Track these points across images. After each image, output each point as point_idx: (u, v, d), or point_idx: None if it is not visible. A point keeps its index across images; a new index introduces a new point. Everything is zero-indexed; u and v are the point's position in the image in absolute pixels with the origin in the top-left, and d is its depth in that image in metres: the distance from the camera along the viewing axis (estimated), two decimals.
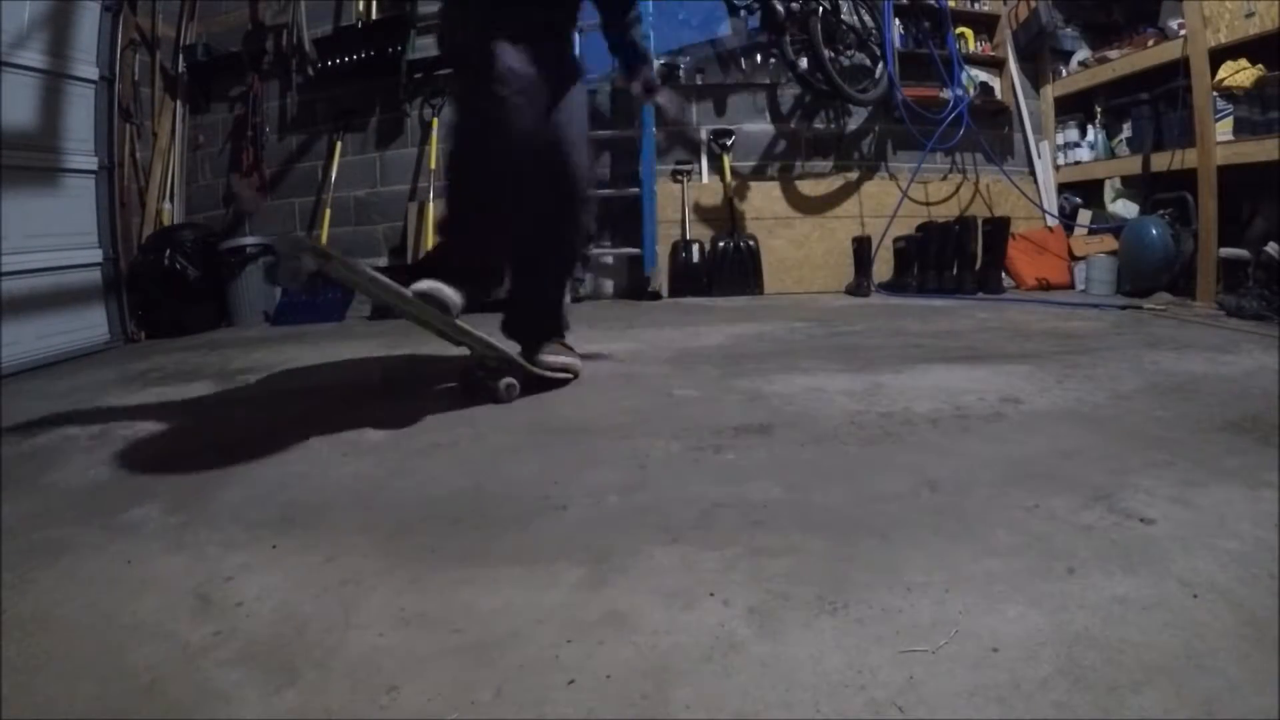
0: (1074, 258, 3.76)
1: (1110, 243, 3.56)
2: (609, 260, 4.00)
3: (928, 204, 4.03)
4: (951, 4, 4.13)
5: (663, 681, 0.68)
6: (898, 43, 4.05)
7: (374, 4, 4.00)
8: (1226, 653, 0.67)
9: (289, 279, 1.32)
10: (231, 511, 1.14)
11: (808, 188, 4.00)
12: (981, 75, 4.23)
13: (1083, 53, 4.04)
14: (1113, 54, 3.71)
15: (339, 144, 4.01)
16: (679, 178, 3.96)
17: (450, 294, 1.57)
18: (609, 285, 4.02)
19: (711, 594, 0.83)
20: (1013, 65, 4.20)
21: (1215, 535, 0.90)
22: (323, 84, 4.04)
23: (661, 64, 3.94)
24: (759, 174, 4.08)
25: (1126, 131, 3.66)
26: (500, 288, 1.79)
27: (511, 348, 1.79)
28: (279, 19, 4.06)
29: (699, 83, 4.06)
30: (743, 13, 3.90)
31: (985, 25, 4.28)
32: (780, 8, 3.52)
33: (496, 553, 0.96)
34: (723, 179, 3.95)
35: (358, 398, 1.89)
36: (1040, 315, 2.86)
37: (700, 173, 4.03)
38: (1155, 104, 3.41)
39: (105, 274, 3.27)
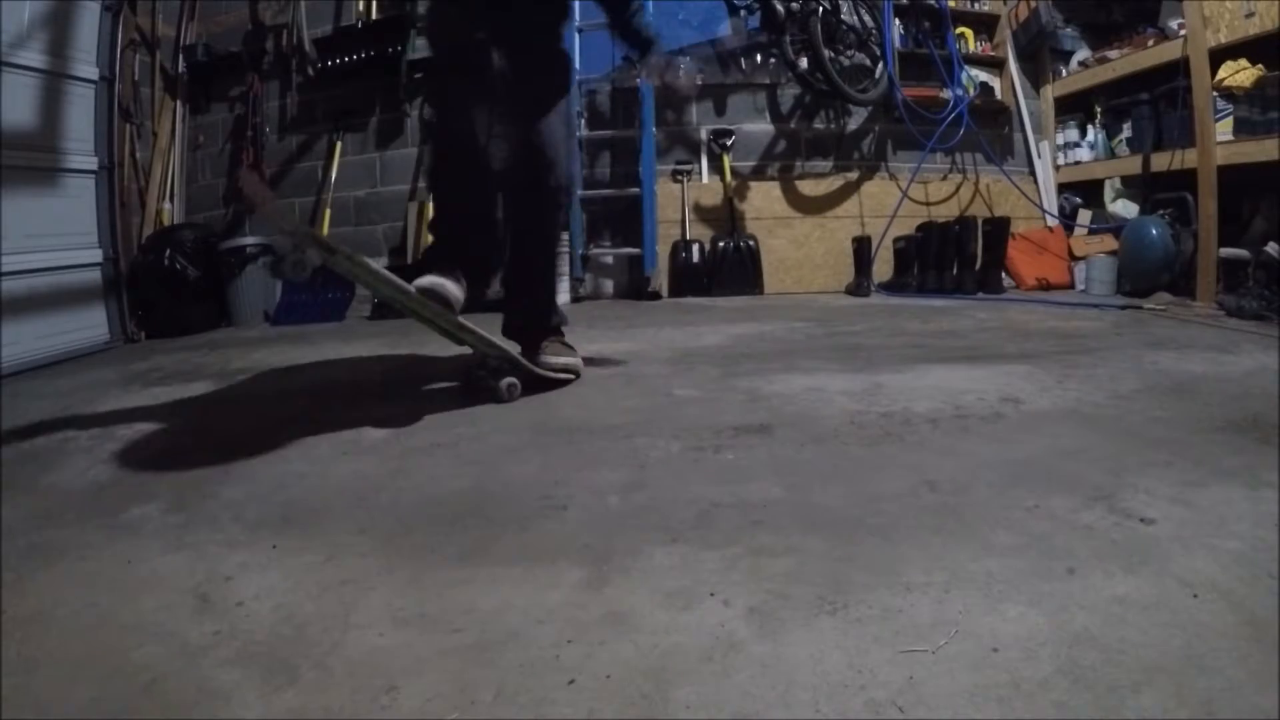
0: (1074, 258, 3.76)
1: (1110, 243, 3.56)
2: (609, 260, 4.00)
3: (928, 204, 4.03)
4: (951, 4, 4.13)
5: (663, 681, 0.68)
6: (898, 43, 4.06)
7: (374, 4, 4.00)
8: (1226, 653, 0.67)
9: (294, 272, 1.32)
10: (231, 511, 1.14)
11: (808, 188, 4.00)
12: (981, 75, 4.23)
13: (1083, 53, 4.05)
14: (1113, 54, 3.71)
15: (339, 144, 4.01)
16: (679, 178, 3.96)
17: (452, 289, 1.57)
18: (609, 285, 4.02)
19: (711, 594, 0.83)
20: (1013, 65, 4.20)
21: (1215, 535, 0.90)
22: (323, 84, 4.04)
23: None
24: (759, 174, 4.08)
25: (1126, 131, 3.66)
26: (493, 279, 1.78)
27: (513, 349, 1.79)
28: (279, 19, 4.07)
29: (699, 83, 4.06)
30: (743, 13, 3.90)
31: (985, 25, 4.28)
32: (780, 8, 3.52)
33: (496, 553, 0.96)
34: (723, 179, 3.95)
35: (358, 397, 1.89)
36: (1040, 315, 2.86)
37: (700, 173, 4.03)
38: (1155, 104, 3.41)
39: (105, 274, 3.27)
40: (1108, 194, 3.80)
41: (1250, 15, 2.84)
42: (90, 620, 0.84)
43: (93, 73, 3.23)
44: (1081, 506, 1.00)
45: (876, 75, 3.95)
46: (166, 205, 3.95)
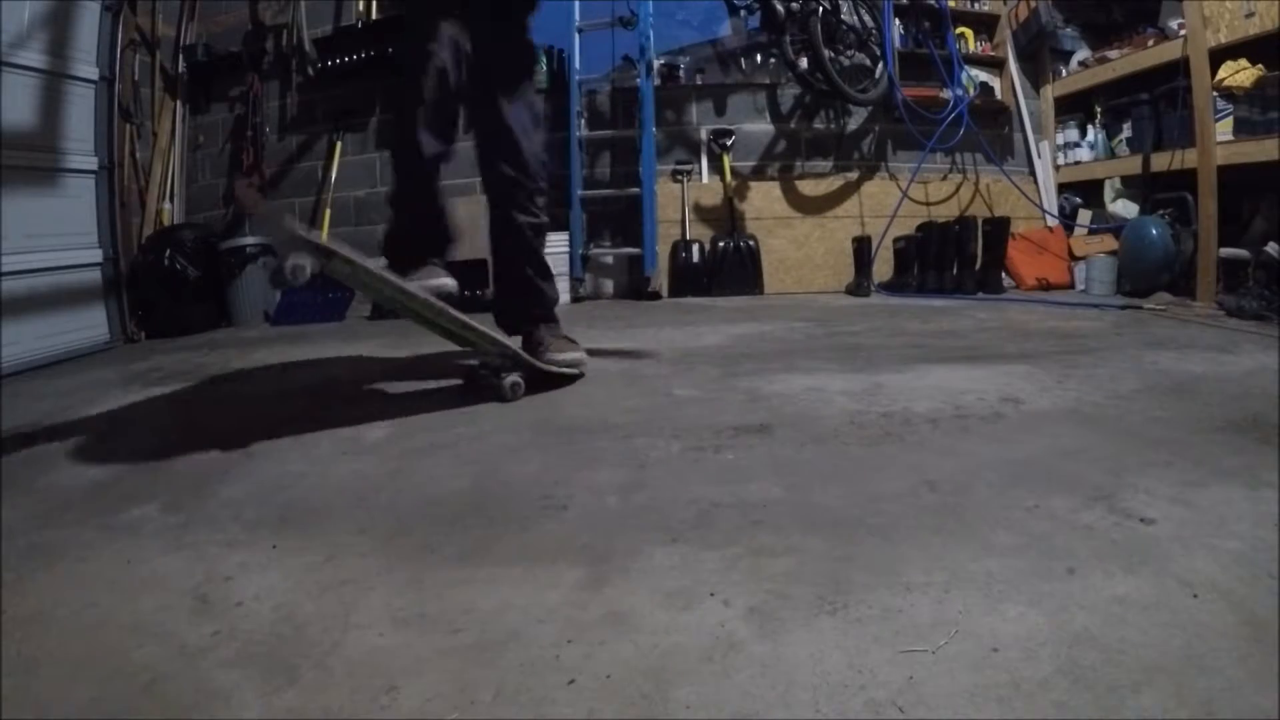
0: (1074, 258, 3.76)
1: (1110, 243, 3.56)
2: (609, 260, 4.00)
3: (928, 204, 4.03)
4: (951, 4, 4.13)
5: (663, 681, 0.68)
6: (898, 43, 4.06)
7: (374, 4, 4.00)
8: (1226, 653, 0.67)
9: (292, 278, 1.31)
10: (231, 511, 1.14)
11: (808, 188, 4.00)
12: (981, 75, 4.23)
13: (1083, 53, 4.04)
14: (1113, 54, 3.71)
15: (339, 144, 4.01)
16: (679, 178, 3.96)
17: (448, 280, 1.60)
18: (609, 285, 4.02)
19: (711, 594, 0.83)
20: (1013, 65, 4.20)
21: (1215, 535, 0.90)
22: (323, 84, 4.04)
23: (661, 64, 3.95)
24: (759, 174, 4.08)
25: (1126, 131, 3.66)
26: (451, 249, 1.80)
27: (515, 344, 1.79)
28: (279, 19, 4.07)
29: (699, 83, 4.06)
30: (743, 13, 3.90)
31: (985, 25, 4.28)
32: (780, 8, 3.52)
33: (496, 553, 0.96)
34: (723, 179, 3.95)
35: (358, 397, 1.89)
36: (1040, 315, 2.86)
37: (700, 173, 4.04)
38: (1155, 104, 3.41)
39: (105, 274, 3.27)
40: (1108, 194, 3.80)
41: (1250, 15, 2.84)
42: (90, 620, 0.84)
43: (93, 73, 3.23)
44: (1081, 506, 1.00)
45: (876, 75, 3.95)
46: (166, 205, 3.95)
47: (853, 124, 4.15)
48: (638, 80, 3.80)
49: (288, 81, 4.12)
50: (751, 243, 3.86)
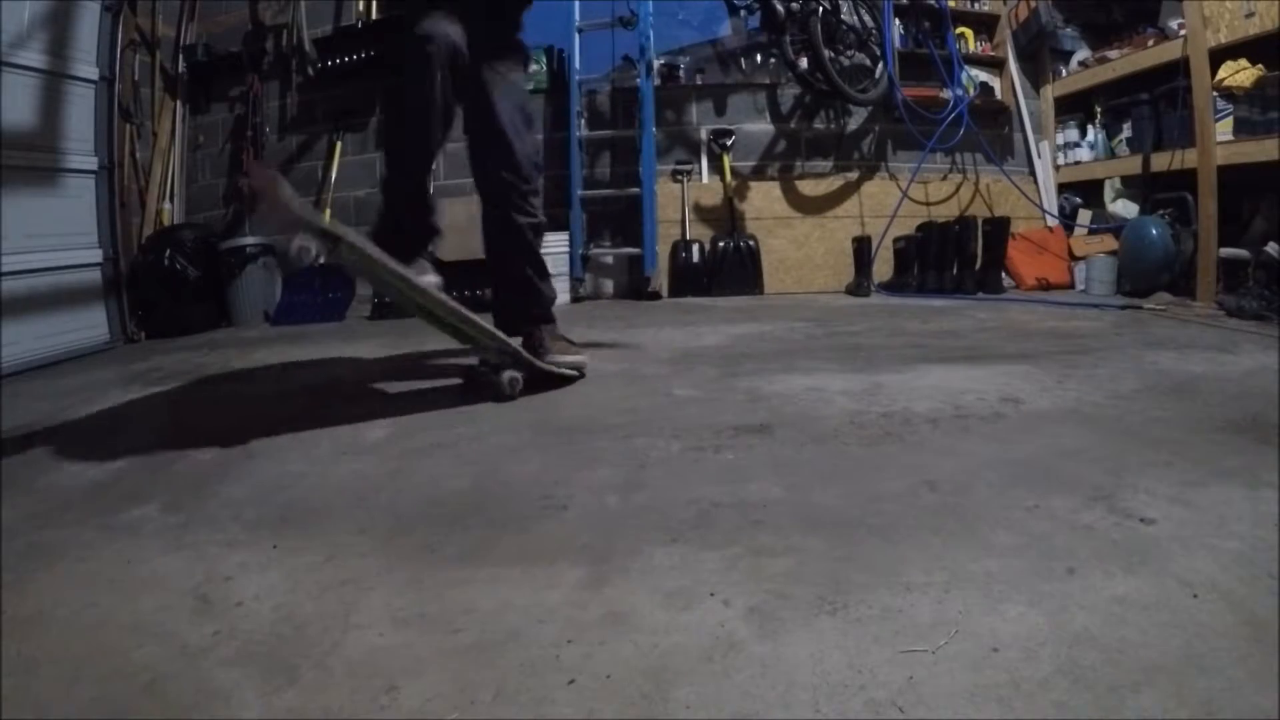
0: (1074, 258, 3.76)
1: (1110, 243, 3.56)
2: (609, 260, 4.00)
3: (928, 204, 4.03)
4: (951, 4, 4.13)
5: (663, 681, 0.68)
6: (898, 43, 4.06)
7: (374, 4, 4.00)
8: (1226, 653, 0.67)
9: (297, 260, 1.34)
10: (231, 511, 1.14)
11: (808, 188, 4.00)
12: (981, 75, 4.23)
13: (1083, 53, 4.04)
14: (1113, 54, 3.71)
15: (339, 144, 4.01)
16: (679, 178, 3.96)
17: (437, 279, 1.64)
18: (609, 285, 4.02)
19: (711, 594, 0.83)
20: (1013, 65, 4.20)
21: (1215, 535, 0.90)
22: (323, 84, 4.04)
23: (661, 64, 3.95)
24: (759, 174, 4.08)
25: (1126, 131, 3.66)
26: (437, 241, 1.82)
27: (514, 343, 1.79)
28: (279, 19, 4.07)
29: (699, 83, 4.06)
30: (743, 13, 3.91)
31: (985, 25, 4.28)
32: (780, 8, 3.52)
33: (496, 553, 0.96)
34: (723, 179, 3.95)
35: (358, 396, 1.89)
36: (1040, 315, 2.86)
37: (700, 173, 4.03)
38: (1155, 104, 3.41)
39: (105, 274, 3.27)
40: (1108, 194, 3.80)
41: (1250, 15, 2.84)
42: (90, 620, 0.84)
43: (93, 73, 3.23)
44: (1081, 506, 1.00)
45: (876, 75, 3.95)
46: (166, 205, 3.95)
47: (853, 124, 4.14)
48: (638, 80, 3.80)
49: (288, 81, 4.12)
50: (751, 243, 3.86)
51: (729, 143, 3.98)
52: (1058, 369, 1.81)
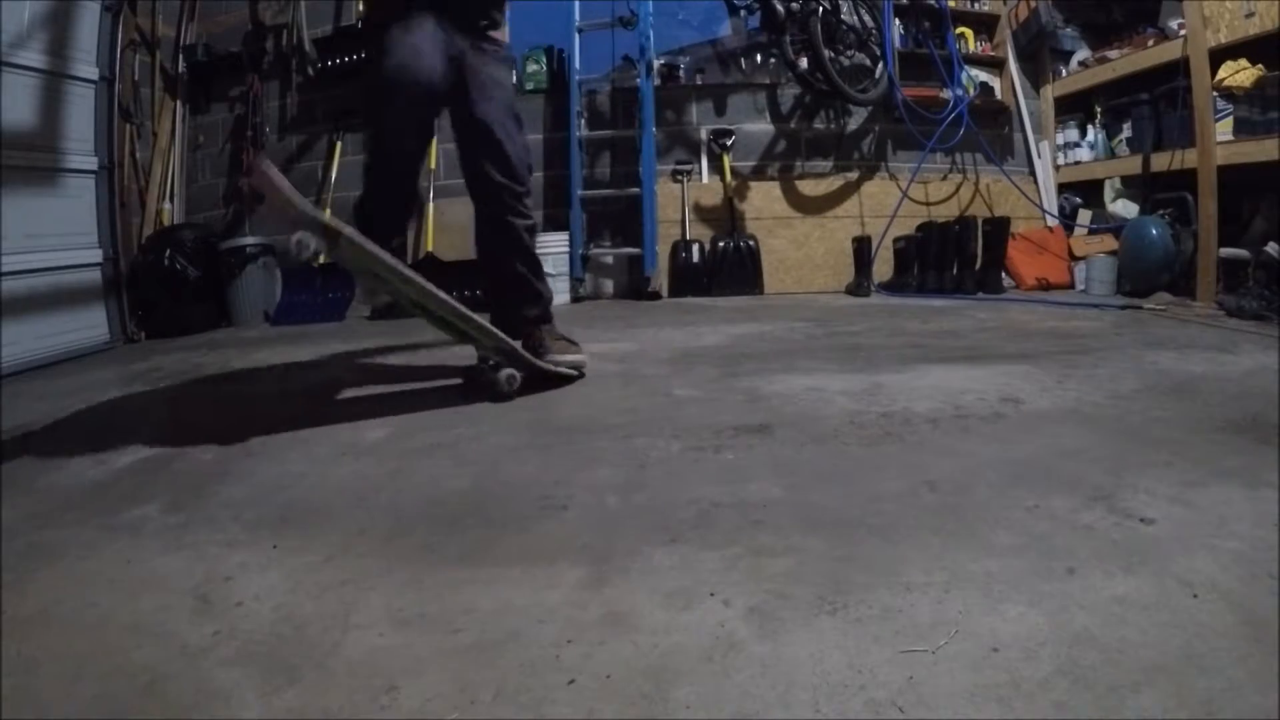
0: (1074, 258, 3.76)
1: (1110, 243, 3.56)
2: (609, 260, 4.00)
3: (928, 204, 4.03)
4: (951, 4, 4.13)
5: (663, 681, 0.68)
6: (898, 43, 4.06)
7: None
8: (1226, 653, 0.67)
9: (297, 253, 1.35)
10: (231, 511, 1.14)
11: (808, 188, 4.00)
12: (981, 75, 4.23)
13: (1083, 53, 4.04)
14: (1113, 54, 3.71)
15: (339, 144, 4.01)
16: (679, 178, 3.96)
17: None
18: (609, 285, 4.02)
19: (711, 594, 0.83)
20: (1013, 65, 4.20)
21: (1215, 535, 0.90)
22: (323, 84, 4.04)
23: (661, 64, 3.95)
24: (759, 174, 4.08)
25: (1126, 131, 3.66)
26: (399, 235, 1.84)
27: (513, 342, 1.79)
28: (279, 19, 4.07)
29: (699, 83, 4.06)
30: (743, 13, 3.90)
31: (985, 25, 4.28)
32: (780, 8, 3.52)
33: (496, 553, 0.96)
34: (723, 179, 3.95)
35: (357, 397, 1.89)
36: (1040, 315, 2.86)
37: (700, 173, 4.03)
38: (1155, 104, 3.41)
39: (105, 274, 3.27)
40: (1108, 194, 3.80)
41: (1250, 15, 2.84)
42: (90, 620, 0.84)
43: (93, 73, 3.23)
44: (1081, 506, 1.00)
45: (876, 75, 3.95)
46: (166, 205, 3.95)
47: (853, 124, 4.14)
48: (638, 80, 3.80)
49: (288, 81, 4.12)
50: (751, 243, 3.86)
51: (729, 143, 3.98)
52: (1058, 369, 1.81)
